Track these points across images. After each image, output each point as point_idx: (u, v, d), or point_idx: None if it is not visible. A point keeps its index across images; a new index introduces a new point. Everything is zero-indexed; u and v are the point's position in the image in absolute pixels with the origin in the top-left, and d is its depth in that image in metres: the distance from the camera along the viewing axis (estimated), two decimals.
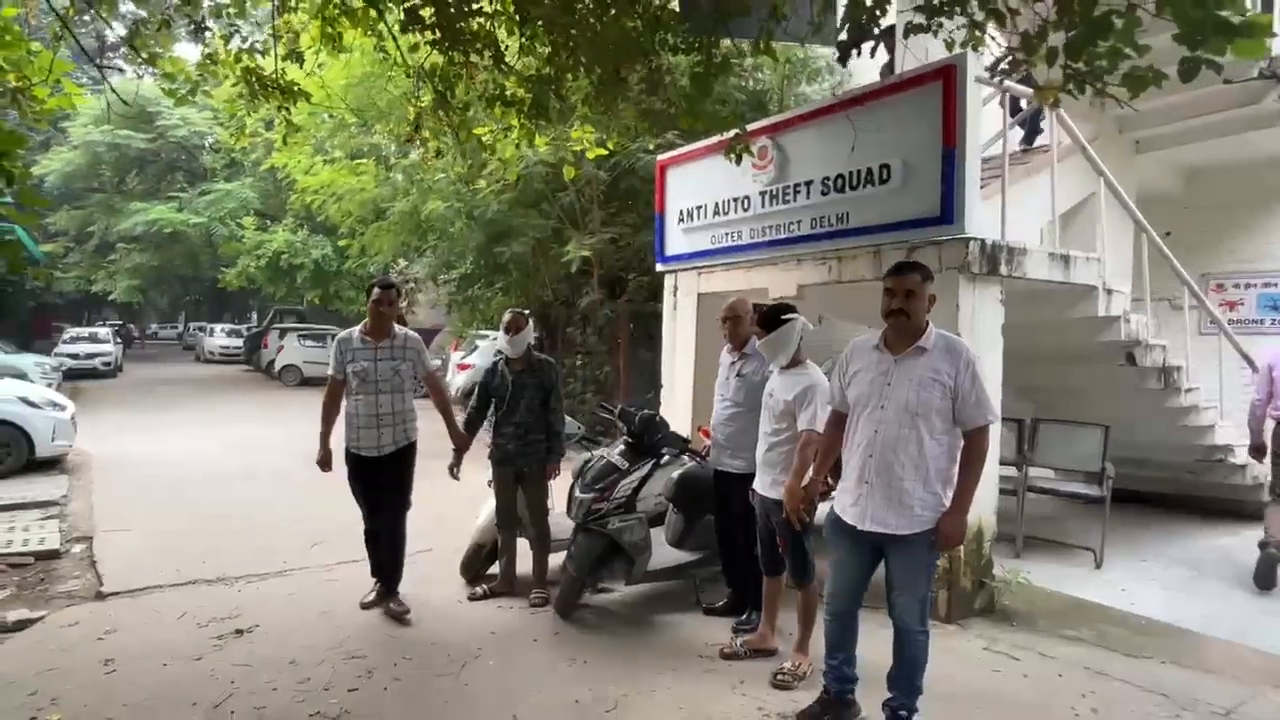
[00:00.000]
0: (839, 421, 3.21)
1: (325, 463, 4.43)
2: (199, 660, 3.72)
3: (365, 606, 4.44)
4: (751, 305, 4.16)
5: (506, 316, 4.65)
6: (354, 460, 4.37)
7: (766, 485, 3.71)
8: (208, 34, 4.74)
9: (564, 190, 9.43)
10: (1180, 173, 8.31)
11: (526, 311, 4.86)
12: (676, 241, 6.44)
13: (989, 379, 4.37)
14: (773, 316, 3.69)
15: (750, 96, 10.22)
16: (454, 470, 4.61)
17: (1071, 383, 6.18)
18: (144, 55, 4.48)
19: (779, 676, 3.57)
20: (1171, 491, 7.18)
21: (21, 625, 4.15)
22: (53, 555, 5.39)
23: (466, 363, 13.17)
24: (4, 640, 3.96)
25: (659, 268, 6.74)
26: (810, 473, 3.36)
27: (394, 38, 4.79)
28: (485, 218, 10.06)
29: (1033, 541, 5.87)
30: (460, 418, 4.72)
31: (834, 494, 3.21)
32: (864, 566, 3.11)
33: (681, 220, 6.33)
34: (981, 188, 5.11)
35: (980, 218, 4.41)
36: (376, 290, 4.39)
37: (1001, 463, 6.07)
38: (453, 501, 5.29)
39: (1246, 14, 2.71)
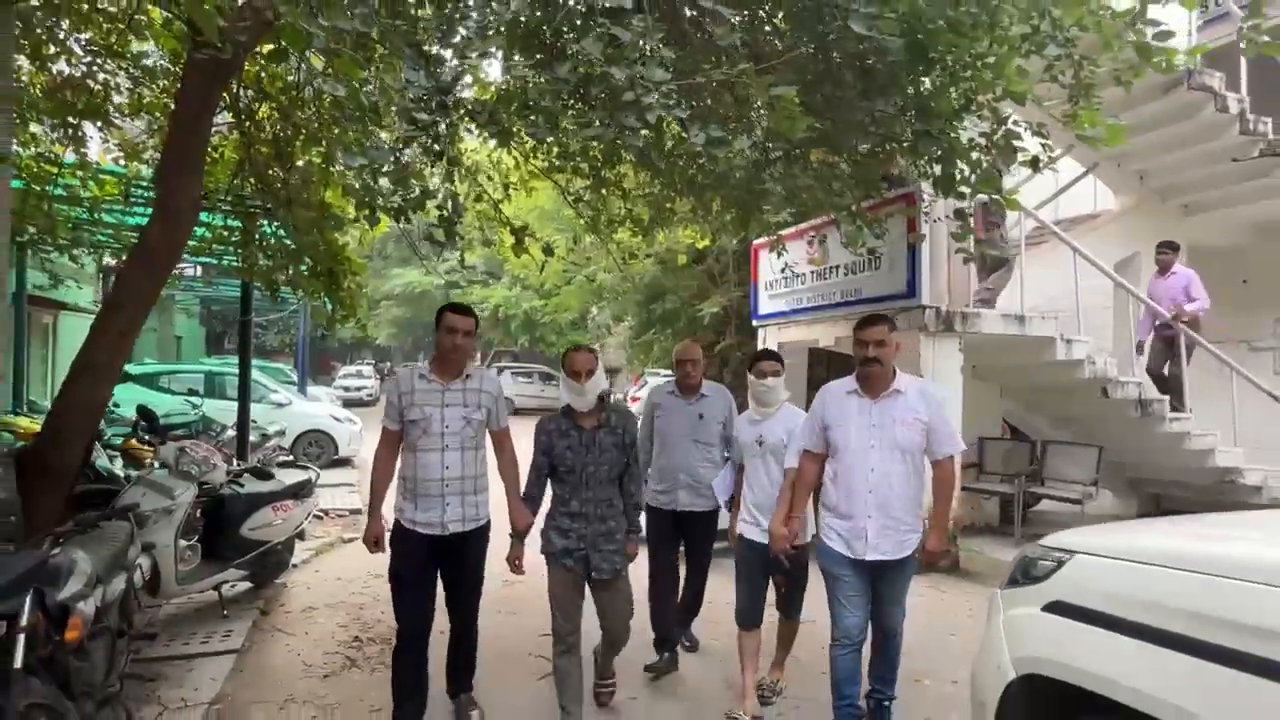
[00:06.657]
0: (819, 462, 3.32)
1: (377, 542, 3.36)
2: None
3: None
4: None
5: (573, 356, 3.37)
6: (406, 539, 3.31)
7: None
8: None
9: (702, 260, 11.91)
10: (1251, 227, 9.05)
11: (596, 349, 4.04)
12: (765, 304, 8.66)
13: (951, 410, 6.21)
14: (776, 359, 3.78)
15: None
16: (517, 562, 3.41)
17: (1086, 413, 7.52)
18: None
19: (761, 692, 3.72)
20: (1215, 513, 8.03)
21: (349, 541, 7.33)
22: (356, 511, 8.74)
23: (636, 396, 15.93)
24: (343, 547, 7.14)
25: (754, 324, 8.97)
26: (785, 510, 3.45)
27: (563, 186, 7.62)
28: (643, 282, 12.83)
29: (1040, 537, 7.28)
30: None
31: (826, 530, 3.30)
32: (868, 594, 3.28)
33: (767, 288, 8.56)
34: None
35: (933, 287, 6.27)
36: (447, 315, 3.32)
37: (1013, 474, 7.60)
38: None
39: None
